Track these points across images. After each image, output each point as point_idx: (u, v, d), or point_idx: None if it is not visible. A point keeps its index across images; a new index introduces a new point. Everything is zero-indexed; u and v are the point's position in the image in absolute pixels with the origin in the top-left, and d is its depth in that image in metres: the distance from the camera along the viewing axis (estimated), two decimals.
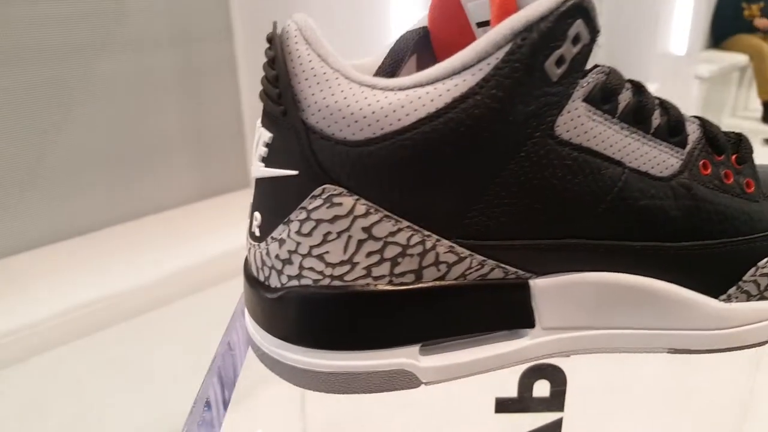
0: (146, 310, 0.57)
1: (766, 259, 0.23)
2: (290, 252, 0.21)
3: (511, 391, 0.34)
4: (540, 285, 0.23)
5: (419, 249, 0.21)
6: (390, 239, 0.20)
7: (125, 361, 0.56)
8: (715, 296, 0.24)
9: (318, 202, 0.20)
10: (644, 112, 0.22)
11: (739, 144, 0.24)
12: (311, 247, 0.21)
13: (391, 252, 0.20)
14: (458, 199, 0.20)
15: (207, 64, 0.70)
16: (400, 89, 0.19)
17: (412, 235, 0.20)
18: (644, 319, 0.24)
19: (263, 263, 0.22)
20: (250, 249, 0.23)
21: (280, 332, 0.22)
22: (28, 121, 0.58)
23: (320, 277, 0.21)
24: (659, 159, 0.22)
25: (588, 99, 0.20)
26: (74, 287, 0.55)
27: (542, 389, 0.34)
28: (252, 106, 0.74)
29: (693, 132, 0.23)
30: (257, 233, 0.22)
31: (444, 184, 0.20)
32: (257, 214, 0.22)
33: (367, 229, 0.20)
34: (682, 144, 0.23)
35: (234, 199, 0.75)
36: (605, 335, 0.24)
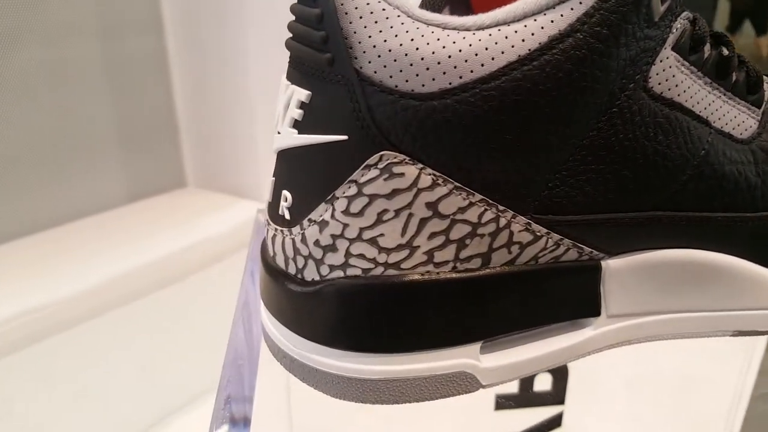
0: (75, 323, 0.50)
1: None
2: (334, 236, 0.17)
3: (512, 387, 0.32)
4: (612, 266, 0.20)
5: (492, 228, 0.17)
6: (458, 216, 0.17)
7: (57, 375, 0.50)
8: None
9: (373, 173, 0.16)
10: (727, 67, 0.19)
11: None
12: (362, 230, 0.17)
13: (459, 232, 0.17)
14: (542, 163, 0.17)
15: (135, 56, 0.64)
16: (480, 28, 0.15)
17: (485, 210, 0.17)
18: (715, 299, 0.22)
19: (296, 252, 0.18)
20: (274, 237, 0.19)
21: (315, 334, 0.18)
22: None
23: (372, 265, 0.17)
24: (740, 119, 0.20)
25: (677, 47, 0.18)
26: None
27: (544, 383, 0.31)
28: (186, 99, 0.68)
29: (765, 90, 0.21)
30: (287, 216, 0.18)
31: (530, 144, 0.16)
32: (287, 194, 0.18)
33: (432, 205, 0.17)
34: (759, 103, 0.21)
35: (169, 201, 0.68)
36: (672, 320, 0.22)
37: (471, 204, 0.17)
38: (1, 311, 0.46)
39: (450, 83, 0.15)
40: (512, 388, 0.32)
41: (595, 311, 0.20)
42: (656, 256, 0.20)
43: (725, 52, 0.19)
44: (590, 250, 0.19)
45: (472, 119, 0.16)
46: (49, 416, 0.47)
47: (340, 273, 0.17)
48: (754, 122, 0.20)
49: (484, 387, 0.19)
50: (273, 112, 0.19)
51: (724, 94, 0.19)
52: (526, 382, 0.32)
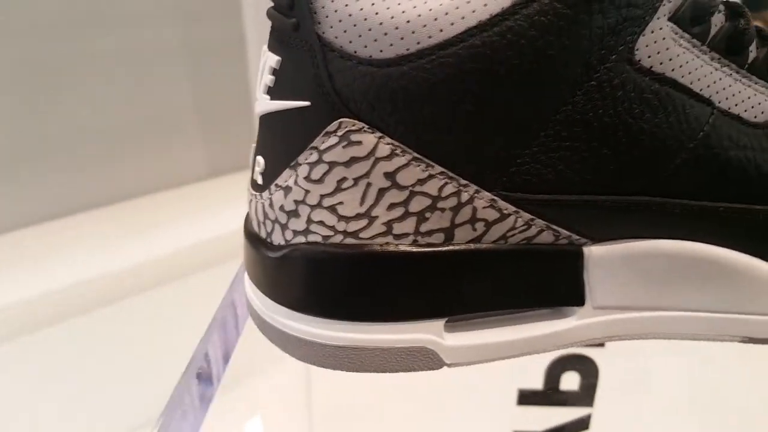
0: (154, 285, 0.53)
1: None
2: (297, 202, 0.17)
3: (537, 382, 0.30)
4: (596, 253, 0.19)
5: (453, 202, 0.17)
6: (417, 188, 0.16)
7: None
8: None
9: (332, 140, 0.16)
10: (741, 42, 0.17)
11: None
12: (322, 197, 0.17)
13: (417, 205, 0.17)
14: (509, 138, 0.16)
15: (214, 41, 0.67)
16: None
17: (446, 184, 0.16)
18: (722, 300, 0.20)
19: (265, 216, 0.18)
20: (251, 201, 0.19)
21: (283, 298, 0.18)
22: (27, 97, 0.55)
23: (331, 232, 0.17)
24: (754, 101, 0.18)
25: (675, 18, 0.16)
26: (79, 263, 0.52)
27: (571, 382, 0.30)
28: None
29: None
30: (259, 181, 0.18)
31: (494, 116, 0.16)
32: (260, 159, 0.18)
33: (390, 175, 0.16)
34: None
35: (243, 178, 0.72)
36: (671, 318, 0.20)
37: (430, 176, 0.16)
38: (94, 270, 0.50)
39: (407, 49, 0.15)
40: (536, 384, 0.31)
41: (578, 300, 0.19)
42: (649, 246, 0.19)
43: (741, 24, 0.17)
44: (568, 233, 0.18)
45: (428, 88, 0.15)
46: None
47: (302, 239, 0.17)
48: None
49: (449, 366, 0.19)
50: None
51: (737, 72, 0.18)
52: (552, 380, 0.30)
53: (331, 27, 0.16)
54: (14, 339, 0.44)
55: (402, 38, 0.15)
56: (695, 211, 0.18)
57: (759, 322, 0.20)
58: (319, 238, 0.17)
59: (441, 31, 0.15)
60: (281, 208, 0.18)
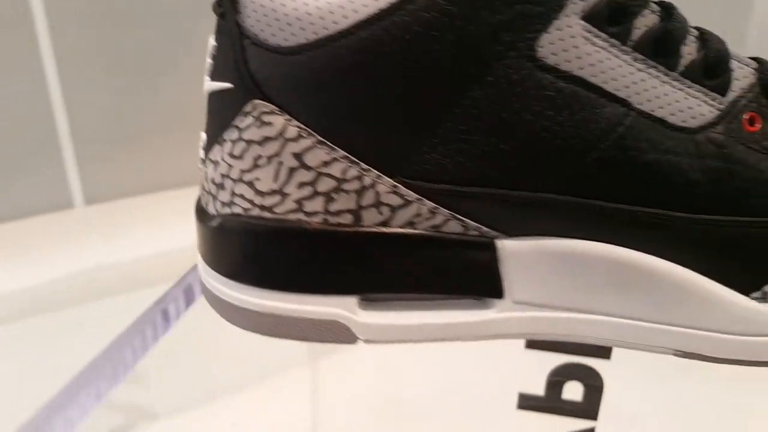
0: None
1: None
2: (223, 176, 0.19)
3: (538, 389, 0.30)
4: (510, 248, 0.19)
5: (356, 185, 0.17)
6: (323, 170, 0.17)
7: None
8: (746, 292, 0.18)
9: (249, 120, 0.18)
10: (669, 44, 0.17)
11: None
12: (242, 172, 0.18)
13: (324, 185, 0.18)
14: (405, 129, 0.17)
15: None
16: None
17: (348, 167, 0.17)
18: (647, 308, 0.19)
19: (203, 188, 0.20)
20: (199, 173, 0.21)
21: (216, 265, 0.20)
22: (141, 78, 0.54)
23: (250, 206, 0.19)
24: (684, 105, 0.17)
25: (589, 17, 0.16)
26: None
27: (574, 392, 0.29)
28: None
29: (742, 77, 0.18)
30: (201, 155, 0.20)
31: (386, 108, 0.16)
32: (203, 134, 0.20)
33: (298, 156, 0.17)
34: (722, 90, 0.17)
35: None
36: (594, 321, 0.20)
37: (334, 159, 0.17)
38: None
39: (307, 39, 0.16)
40: (538, 389, 0.31)
41: (496, 293, 0.19)
42: (565, 245, 0.18)
43: (670, 26, 0.17)
44: (477, 225, 0.18)
45: (325, 77, 0.16)
46: None
47: (228, 210, 0.19)
48: (709, 110, 0.17)
49: (365, 342, 0.20)
50: None
51: (666, 75, 0.17)
52: (554, 387, 0.30)
53: (249, 16, 0.17)
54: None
55: (303, 29, 0.16)
56: (611, 213, 0.17)
57: (689, 336, 0.19)
58: (240, 210, 0.19)
59: (335, 23, 0.16)
60: (212, 180, 0.19)
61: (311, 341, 0.20)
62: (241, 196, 0.19)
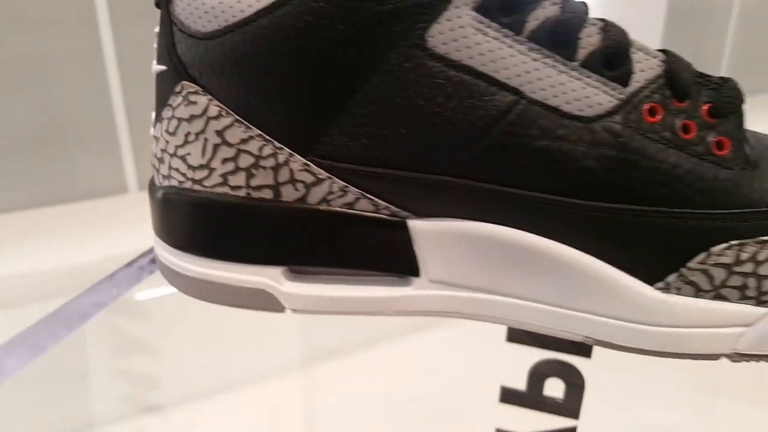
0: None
1: (725, 246, 0.18)
2: (162, 151, 0.21)
3: (519, 383, 0.31)
4: (419, 228, 0.20)
5: (272, 162, 0.19)
6: (242, 147, 0.19)
7: None
8: (650, 282, 0.19)
9: (179, 99, 0.19)
10: (565, 35, 0.17)
11: (720, 91, 0.18)
12: (176, 147, 0.20)
13: (244, 161, 0.19)
14: (310, 112, 0.18)
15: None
16: None
17: (264, 145, 0.19)
18: (555, 294, 0.20)
19: (151, 162, 0.22)
20: None
21: (160, 233, 0.22)
22: None
23: (183, 179, 0.20)
24: (581, 94, 0.17)
25: (480, 8, 0.17)
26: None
27: (555, 389, 0.30)
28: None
29: (648, 69, 0.18)
30: (152, 132, 0.22)
31: (291, 91, 0.18)
32: (152, 113, 0.22)
33: (220, 133, 0.19)
34: (623, 80, 0.18)
35: None
36: (507, 304, 0.20)
37: (251, 137, 0.19)
38: None
39: (219, 26, 0.18)
40: (520, 384, 0.31)
41: (412, 271, 0.21)
42: (470, 227, 0.19)
43: (567, 18, 0.17)
44: (386, 204, 0.19)
45: (234, 60, 0.18)
46: None
47: (167, 182, 0.21)
48: (608, 100, 0.18)
49: (292, 311, 0.22)
50: None
51: (564, 65, 0.17)
52: (535, 382, 0.31)
53: (177, 5, 0.19)
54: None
55: (216, 16, 0.18)
56: (509, 197, 0.18)
57: (596, 323, 0.20)
58: (176, 183, 0.21)
59: (242, 11, 0.17)
60: (155, 155, 0.21)
61: (245, 308, 0.22)
62: (177, 170, 0.20)
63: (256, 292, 0.21)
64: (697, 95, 0.18)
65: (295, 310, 0.22)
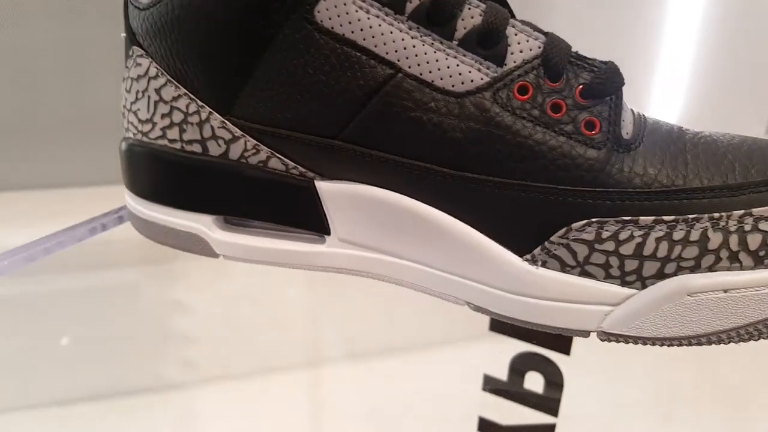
0: None
1: (585, 222, 0.18)
2: (124, 106, 0.24)
3: (501, 372, 0.32)
4: (324, 188, 0.22)
5: (197, 119, 0.22)
6: (174, 104, 0.22)
7: None
8: (519, 254, 0.20)
9: (131, 62, 0.23)
10: (441, 15, 0.18)
11: (596, 74, 0.19)
12: (131, 104, 0.24)
13: (177, 117, 0.22)
14: (225, 75, 0.21)
15: None
16: None
17: (190, 103, 0.22)
18: (438, 258, 0.21)
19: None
20: None
21: (123, 179, 0.26)
22: None
23: (136, 131, 0.24)
24: (455, 71, 0.19)
25: None
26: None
27: (535, 383, 0.31)
28: None
29: (527, 50, 0.19)
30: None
31: (206, 56, 0.20)
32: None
33: (158, 91, 0.22)
34: (498, 60, 0.19)
35: None
36: (396, 264, 0.22)
37: (180, 95, 0.22)
38: None
39: None
40: (501, 374, 0.32)
41: (323, 229, 0.23)
42: (361, 189, 0.21)
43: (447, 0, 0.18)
44: (294, 165, 0.21)
45: (161, 27, 0.21)
46: None
47: (128, 134, 0.24)
48: (480, 77, 0.19)
49: (224, 257, 0.24)
50: None
51: (441, 43, 0.19)
52: (517, 373, 0.32)
53: None
54: None
55: None
56: (388, 162, 0.20)
57: (477, 290, 0.21)
58: (131, 135, 0.24)
59: None
60: (121, 110, 0.25)
61: (187, 251, 0.25)
62: (131, 123, 0.24)
63: (190, 236, 0.24)
64: (574, 77, 0.19)
65: (225, 257, 0.24)
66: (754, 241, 0.17)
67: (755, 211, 0.17)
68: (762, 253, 0.17)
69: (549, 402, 0.30)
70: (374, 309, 0.46)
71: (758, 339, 0.18)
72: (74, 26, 0.60)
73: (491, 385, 0.31)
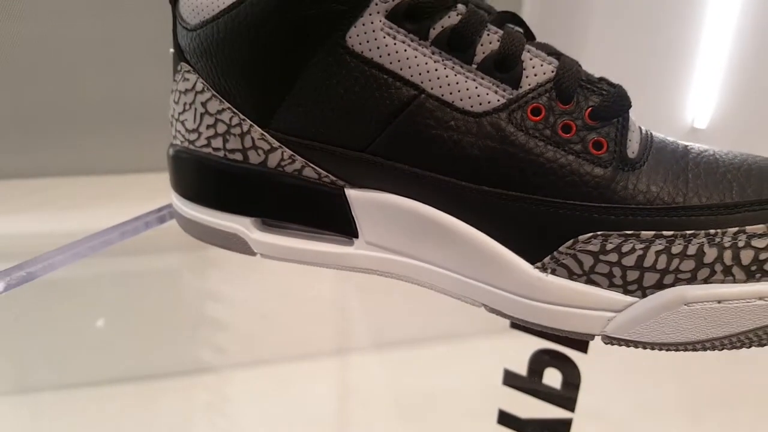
0: None
1: (590, 235, 0.20)
2: (172, 116, 0.27)
3: (521, 368, 0.33)
4: (354, 196, 0.24)
5: (239, 130, 0.24)
6: (218, 117, 0.24)
7: None
8: (531, 261, 0.21)
9: (179, 76, 0.25)
10: (462, 41, 0.20)
11: (605, 97, 0.20)
12: (179, 114, 0.26)
13: (221, 128, 0.24)
14: (265, 92, 0.23)
15: None
16: None
17: (233, 116, 0.24)
18: (457, 263, 0.23)
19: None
20: None
21: (170, 182, 0.28)
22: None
23: (183, 140, 0.26)
24: (473, 92, 0.20)
25: (390, 16, 0.20)
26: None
27: (553, 378, 0.32)
28: None
29: (541, 73, 0.20)
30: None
31: (249, 74, 0.23)
32: None
33: (204, 104, 0.24)
34: (514, 83, 0.20)
35: None
36: (418, 267, 0.24)
37: (224, 109, 0.24)
38: None
39: (200, 20, 0.23)
40: (521, 369, 0.34)
41: (352, 232, 0.25)
42: (392, 199, 0.23)
43: (462, 27, 0.20)
44: (326, 173, 0.23)
45: (207, 47, 0.23)
46: None
47: (175, 141, 0.27)
48: (497, 98, 0.20)
49: (261, 256, 0.27)
50: None
51: (461, 66, 0.20)
52: (536, 368, 0.33)
53: (181, 3, 0.24)
54: None
55: (199, 13, 0.23)
56: (416, 176, 0.22)
57: (491, 293, 0.23)
58: (179, 143, 0.26)
59: (213, 10, 0.22)
60: (169, 119, 0.27)
61: (227, 249, 0.27)
62: (179, 132, 0.26)
63: (231, 236, 0.27)
64: (584, 100, 0.20)
65: (263, 255, 0.27)
66: (746, 256, 0.19)
67: (749, 228, 0.19)
68: (754, 268, 0.19)
69: (566, 398, 0.32)
70: (401, 303, 0.48)
71: (750, 347, 0.20)
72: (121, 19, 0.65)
73: (511, 380, 0.33)
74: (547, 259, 0.21)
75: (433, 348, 0.49)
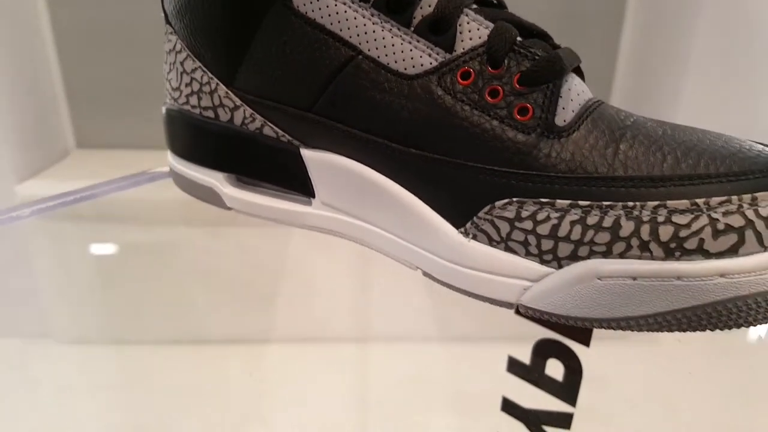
0: None
1: (506, 201, 0.20)
2: (163, 75, 0.29)
3: (524, 356, 0.33)
4: (307, 155, 0.25)
5: (208, 88, 0.26)
6: (193, 75, 0.26)
7: None
8: (456, 226, 0.21)
9: (165, 38, 0.27)
10: (400, 4, 0.21)
11: (536, 62, 0.20)
12: (167, 74, 0.28)
13: (195, 86, 0.26)
14: (227, 52, 0.24)
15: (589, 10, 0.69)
16: None
17: (203, 74, 0.26)
18: (393, 224, 0.23)
19: None
20: None
21: (165, 140, 0.31)
22: None
23: (170, 98, 0.28)
24: (408, 55, 0.21)
25: None
26: None
27: (555, 370, 0.32)
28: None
29: (475, 37, 0.20)
30: None
31: (213, 35, 0.24)
32: None
33: (182, 64, 0.26)
34: (448, 46, 0.20)
35: None
36: (364, 229, 0.25)
37: (197, 68, 0.26)
38: None
39: None
40: (524, 357, 0.34)
41: (310, 192, 0.26)
42: (337, 160, 0.24)
43: None
44: (283, 133, 0.25)
45: (179, 9, 0.25)
46: None
47: (166, 100, 0.29)
48: (430, 61, 0.20)
49: (233, 210, 0.28)
50: None
51: (398, 29, 0.21)
52: (538, 357, 0.34)
53: None
54: None
55: None
56: (349, 135, 0.22)
57: (426, 259, 0.23)
58: (168, 101, 0.29)
59: None
60: (164, 80, 0.29)
61: (206, 202, 0.29)
62: (167, 91, 0.28)
63: (208, 189, 0.28)
64: (515, 65, 0.20)
65: (234, 209, 0.28)
66: (665, 232, 0.18)
67: (670, 203, 0.18)
68: (673, 245, 0.18)
69: (568, 388, 0.31)
70: (423, 295, 0.48)
71: (669, 331, 0.19)
72: None
73: (514, 367, 0.33)
74: (468, 225, 0.21)
75: (448, 338, 0.49)
